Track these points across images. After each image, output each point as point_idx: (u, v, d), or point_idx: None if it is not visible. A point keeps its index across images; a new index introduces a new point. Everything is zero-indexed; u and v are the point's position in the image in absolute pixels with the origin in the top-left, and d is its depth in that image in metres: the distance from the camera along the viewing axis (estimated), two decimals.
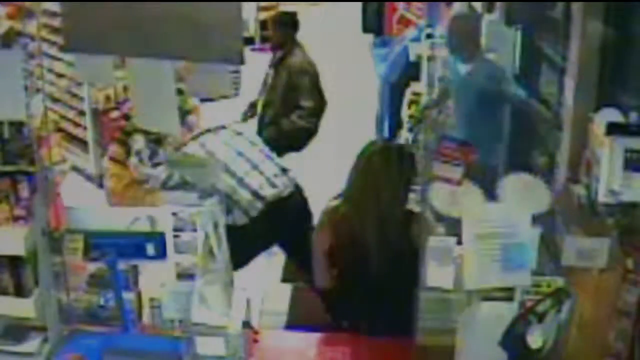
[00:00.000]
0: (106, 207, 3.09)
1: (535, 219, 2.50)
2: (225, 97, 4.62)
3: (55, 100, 6.68)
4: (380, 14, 6.37)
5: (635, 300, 2.41)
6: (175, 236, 2.73)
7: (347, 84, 5.92)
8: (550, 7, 3.35)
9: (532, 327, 2.40)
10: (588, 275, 2.47)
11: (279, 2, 10.25)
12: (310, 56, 5.53)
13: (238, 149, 4.17)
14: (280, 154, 4.63)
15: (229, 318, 2.73)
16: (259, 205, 4.09)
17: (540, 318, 2.41)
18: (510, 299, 2.52)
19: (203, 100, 5.46)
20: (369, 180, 3.28)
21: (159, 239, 2.75)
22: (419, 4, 5.88)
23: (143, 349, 2.81)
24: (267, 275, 4.96)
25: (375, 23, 6.45)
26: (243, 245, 3.09)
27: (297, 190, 4.32)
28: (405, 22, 6.08)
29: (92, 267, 2.83)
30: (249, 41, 10.09)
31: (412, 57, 5.15)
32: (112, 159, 4.44)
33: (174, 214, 2.72)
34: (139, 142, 4.10)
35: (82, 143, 6.83)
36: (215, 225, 2.76)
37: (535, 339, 2.40)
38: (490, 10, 3.99)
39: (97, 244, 2.79)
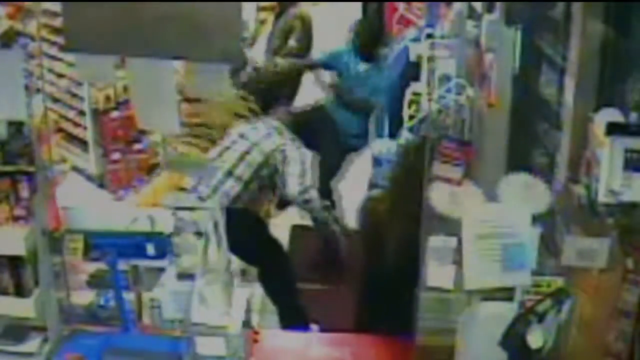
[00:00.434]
0: (106, 207, 3.09)
1: (535, 219, 2.50)
2: None
3: (55, 100, 6.68)
4: (380, 14, 6.36)
5: (635, 300, 2.41)
6: (175, 236, 2.73)
7: None
8: (550, 7, 3.35)
9: (532, 327, 2.40)
10: (588, 275, 2.47)
11: (279, 2, 10.24)
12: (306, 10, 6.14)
13: None
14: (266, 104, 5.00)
15: (229, 318, 2.73)
16: None
17: (540, 318, 2.41)
18: (510, 299, 2.52)
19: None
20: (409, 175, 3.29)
21: (159, 239, 2.75)
22: (419, 4, 5.87)
23: (143, 349, 2.81)
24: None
25: (375, 23, 6.44)
26: None
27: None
28: (405, 22, 6.08)
29: (92, 267, 2.83)
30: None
31: (412, 57, 5.14)
32: None
33: (174, 214, 2.72)
34: None
35: (82, 143, 6.82)
36: (215, 225, 2.76)
37: (535, 339, 2.40)
38: (490, 10, 3.98)
39: (97, 244, 2.79)
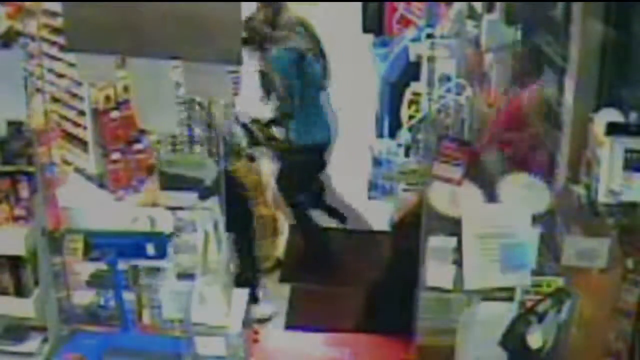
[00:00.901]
0: (106, 207, 3.08)
1: (535, 219, 2.50)
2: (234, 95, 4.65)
3: (55, 100, 6.67)
4: (380, 14, 6.36)
5: (635, 300, 2.41)
6: (175, 236, 2.73)
7: (347, 84, 5.91)
8: (550, 7, 3.35)
9: (532, 327, 2.40)
10: (588, 275, 2.47)
11: (279, 2, 10.23)
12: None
13: None
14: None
15: (228, 318, 2.73)
16: None
17: (540, 318, 2.41)
18: (510, 299, 2.52)
19: None
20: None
21: (159, 239, 2.75)
22: (419, 4, 5.87)
23: (143, 349, 2.81)
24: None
25: (375, 23, 6.44)
26: None
27: None
28: (405, 22, 6.07)
29: (92, 267, 2.82)
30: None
31: (412, 57, 5.14)
32: None
33: (174, 214, 2.72)
34: None
35: (82, 143, 6.81)
36: (215, 225, 2.76)
37: (535, 339, 2.40)
38: (490, 10, 3.98)
39: (97, 244, 2.79)
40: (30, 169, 2.70)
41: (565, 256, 2.44)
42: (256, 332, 3.12)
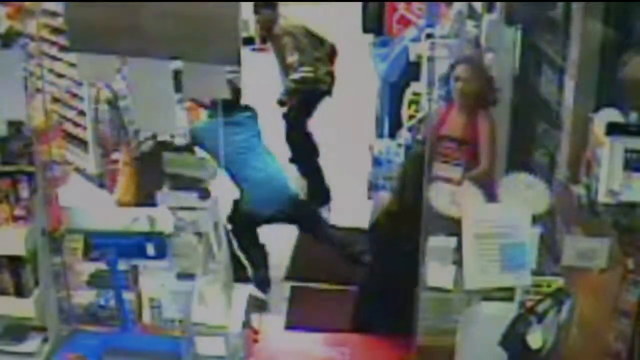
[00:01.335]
0: (106, 207, 3.09)
1: (535, 219, 2.50)
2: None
3: (56, 100, 6.67)
4: (380, 14, 6.36)
5: (635, 300, 2.41)
6: (175, 236, 2.73)
7: (347, 83, 5.92)
8: (550, 7, 3.35)
9: (532, 327, 2.40)
10: (588, 275, 2.47)
11: (279, 2, 10.22)
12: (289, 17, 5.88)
13: None
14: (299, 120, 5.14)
15: (228, 318, 2.73)
16: None
17: (540, 318, 2.41)
18: (510, 299, 2.52)
19: None
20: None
21: (159, 239, 2.75)
22: (419, 4, 5.87)
23: (143, 349, 2.81)
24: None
25: (375, 23, 6.44)
26: None
27: None
28: (405, 22, 6.08)
29: (92, 267, 2.83)
30: (249, 41, 10.07)
31: (412, 57, 5.15)
32: None
33: (174, 214, 2.72)
34: None
35: (82, 143, 6.82)
36: (215, 225, 2.76)
37: (535, 339, 2.40)
38: (490, 10, 3.98)
39: (97, 244, 2.79)
40: (30, 169, 2.70)
41: (565, 256, 2.44)
42: (256, 332, 3.12)
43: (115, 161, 5.97)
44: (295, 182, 4.84)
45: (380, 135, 5.59)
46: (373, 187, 4.93)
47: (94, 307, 2.87)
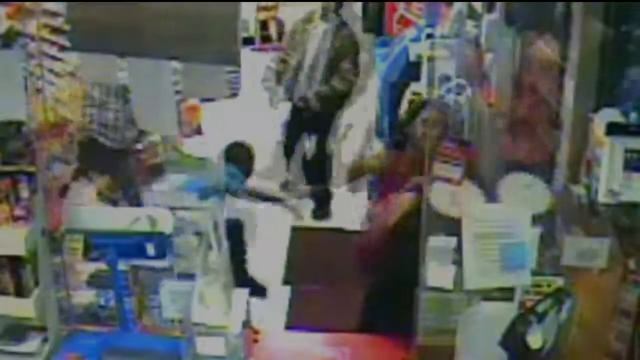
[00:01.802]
0: (106, 207, 3.09)
1: (535, 219, 2.50)
2: (233, 95, 4.62)
3: (56, 100, 6.67)
4: (380, 14, 6.36)
5: (635, 300, 2.41)
6: (175, 236, 2.73)
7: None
8: (550, 7, 3.35)
9: (532, 327, 2.40)
10: (588, 275, 2.47)
11: (279, 2, 10.25)
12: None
13: None
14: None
15: (229, 318, 2.73)
16: None
17: (540, 318, 2.42)
18: (510, 299, 2.52)
19: (203, 100, 5.46)
20: None
21: (159, 239, 2.75)
22: (419, 4, 5.87)
23: (143, 349, 2.81)
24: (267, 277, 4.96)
25: (375, 23, 6.45)
26: None
27: None
28: (405, 22, 6.08)
29: (92, 267, 2.82)
30: (249, 41, 10.06)
31: (412, 57, 5.15)
32: None
33: (174, 214, 2.72)
34: None
35: None
36: (215, 225, 2.76)
37: (535, 339, 2.40)
38: (490, 10, 3.98)
39: (97, 244, 2.79)
40: (30, 169, 2.70)
41: (565, 256, 2.44)
42: (256, 332, 3.12)
43: None
44: None
45: (380, 135, 5.60)
46: (373, 187, 4.93)
47: (94, 307, 2.87)
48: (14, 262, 2.74)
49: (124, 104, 4.03)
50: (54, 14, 5.27)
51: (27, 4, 3.09)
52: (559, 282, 2.48)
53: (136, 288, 2.84)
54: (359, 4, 6.90)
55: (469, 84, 4.29)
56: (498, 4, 3.83)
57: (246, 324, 2.83)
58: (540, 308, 2.43)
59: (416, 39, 5.17)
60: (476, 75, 4.26)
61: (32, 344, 2.82)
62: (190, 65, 2.42)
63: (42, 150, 2.73)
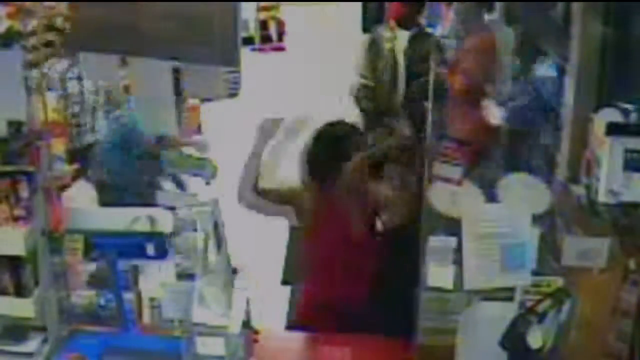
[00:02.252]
0: (106, 207, 3.09)
1: (535, 219, 2.50)
2: (233, 95, 4.62)
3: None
4: (380, 14, 6.38)
5: (635, 300, 2.41)
6: (175, 236, 2.73)
7: (347, 84, 5.93)
8: (550, 7, 3.35)
9: (532, 327, 2.40)
10: (588, 275, 2.47)
11: (279, 2, 10.27)
12: None
13: None
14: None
15: (229, 318, 2.73)
16: None
17: (540, 318, 2.42)
18: (510, 299, 2.52)
19: (203, 100, 5.46)
20: None
21: (159, 239, 2.75)
22: None
23: (143, 349, 2.81)
24: (267, 276, 4.97)
25: (375, 23, 6.46)
26: None
27: None
28: None
29: (92, 267, 2.82)
30: (249, 41, 10.08)
31: None
32: None
33: (174, 214, 2.72)
34: None
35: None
36: (215, 225, 2.76)
37: (535, 339, 2.40)
38: (490, 10, 3.99)
39: (97, 244, 2.79)
40: (30, 169, 2.70)
41: (565, 256, 2.44)
42: (256, 332, 3.12)
43: None
44: None
45: None
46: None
47: (94, 307, 2.87)
48: (14, 262, 2.74)
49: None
50: (54, 14, 5.27)
51: (27, 3, 3.09)
52: (559, 282, 2.48)
53: (136, 288, 2.84)
54: (359, 4, 6.92)
55: None
56: (498, 4, 3.83)
57: (246, 324, 2.83)
58: (540, 308, 2.43)
59: None
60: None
61: (32, 344, 2.82)
62: (190, 66, 2.42)
63: (43, 150, 2.73)
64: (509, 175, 2.62)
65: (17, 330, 2.85)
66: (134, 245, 2.77)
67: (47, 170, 2.76)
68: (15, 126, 2.69)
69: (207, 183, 2.81)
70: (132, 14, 2.30)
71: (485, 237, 2.51)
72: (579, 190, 2.55)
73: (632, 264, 2.40)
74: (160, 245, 2.75)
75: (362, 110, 5.61)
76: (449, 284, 2.58)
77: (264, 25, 10.63)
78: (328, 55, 9.18)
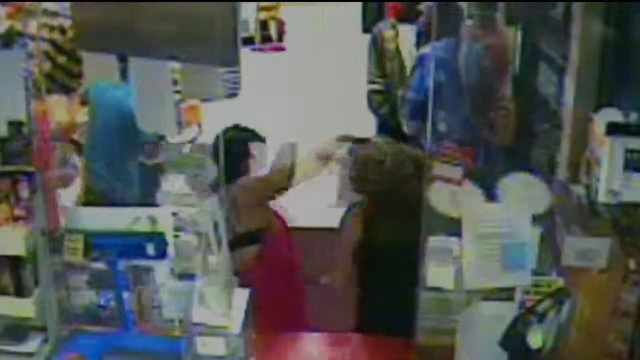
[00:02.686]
0: (106, 207, 3.09)
1: (535, 219, 2.51)
2: (232, 96, 4.61)
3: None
4: (380, 14, 6.38)
5: (635, 300, 2.41)
6: (175, 236, 2.73)
7: (347, 84, 5.94)
8: (550, 7, 3.35)
9: (532, 327, 2.40)
10: (588, 275, 2.47)
11: (279, 2, 10.28)
12: None
13: None
14: None
15: (229, 318, 2.73)
16: None
17: (540, 318, 2.42)
18: (510, 299, 2.52)
19: (203, 100, 5.46)
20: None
21: (159, 239, 2.75)
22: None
23: (143, 349, 2.81)
24: None
25: (375, 23, 6.46)
26: None
27: None
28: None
29: (92, 267, 2.83)
30: (249, 41, 10.08)
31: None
32: None
33: (174, 214, 2.72)
34: None
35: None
36: (215, 225, 2.76)
37: (535, 339, 2.40)
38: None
39: (97, 244, 2.79)
40: (30, 169, 2.70)
41: (565, 256, 2.44)
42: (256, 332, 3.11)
43: None
44: None
45: (379, 133, 5.60)
46: None
47: (94, 307, 2.87)
48: (14, 262, 2.74)
49: None
50: (54, 14, 5.27)
51: (27, 4, 3.09)
52: (559, 282, 2.48)
53: (136, 288, 2.84)
54: (359, 4, 6.92)
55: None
56: (498, 4, 3.83)
57: (246, 324, 2.83)
58: (540, 308, 2.43)
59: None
60: None
61: (32, 344, 2.83)
62: (190, 65, 2.42)
63: (43, 150, 2.73)
64: (509, 175, 2.62)
65: (17, 330, 2.85)
66: (134, 245, 2.77)
67: (47, 170, 2.77)
68: (15, 126, 2.70)
69: (207, 183, 2.81)
70: (131, 14, 2.30)
71: (485, 237, 2.51)
72: (579, 190, 2.55)
73: (632, 264, 2.40)
74: (160, 245, 2.75)
75: (382, 117, 5.56)
76: (449, 284, 2.58)
77: (264, 25, 10.62)
78: (328, 55, 9.18)
